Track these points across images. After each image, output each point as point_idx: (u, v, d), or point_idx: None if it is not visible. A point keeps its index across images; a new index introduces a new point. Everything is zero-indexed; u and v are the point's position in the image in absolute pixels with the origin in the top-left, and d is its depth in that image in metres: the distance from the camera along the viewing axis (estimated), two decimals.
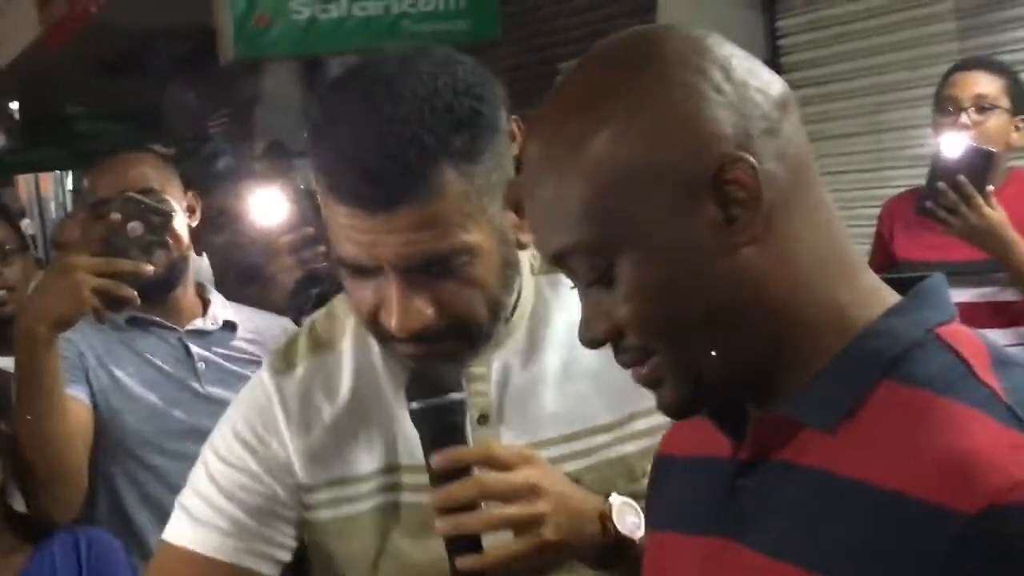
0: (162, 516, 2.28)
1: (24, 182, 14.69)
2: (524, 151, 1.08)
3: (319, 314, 1.54)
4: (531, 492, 1.29)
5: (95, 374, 2.32)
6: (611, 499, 1.36)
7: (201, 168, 3.13)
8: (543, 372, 1.44)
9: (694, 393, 1.04)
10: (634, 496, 1.37)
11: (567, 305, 1.43)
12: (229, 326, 2.46)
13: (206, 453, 1.52)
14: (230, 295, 2.63)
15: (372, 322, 1.35)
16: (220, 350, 2.43)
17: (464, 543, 1.29)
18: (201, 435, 2.26)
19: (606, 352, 1.27)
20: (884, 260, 3.39)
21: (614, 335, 1.05)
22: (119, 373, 2.34)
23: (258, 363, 2.31)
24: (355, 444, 1.45)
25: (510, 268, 1.36)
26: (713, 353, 1.02)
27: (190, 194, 2.46)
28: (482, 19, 5.67)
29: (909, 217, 3.23)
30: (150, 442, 2.33)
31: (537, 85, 5.37)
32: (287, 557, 1.48)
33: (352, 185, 1.26)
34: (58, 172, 13.69)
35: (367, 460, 1.45)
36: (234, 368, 2.41)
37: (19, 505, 2.19)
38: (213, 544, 1.45)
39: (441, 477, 1.29)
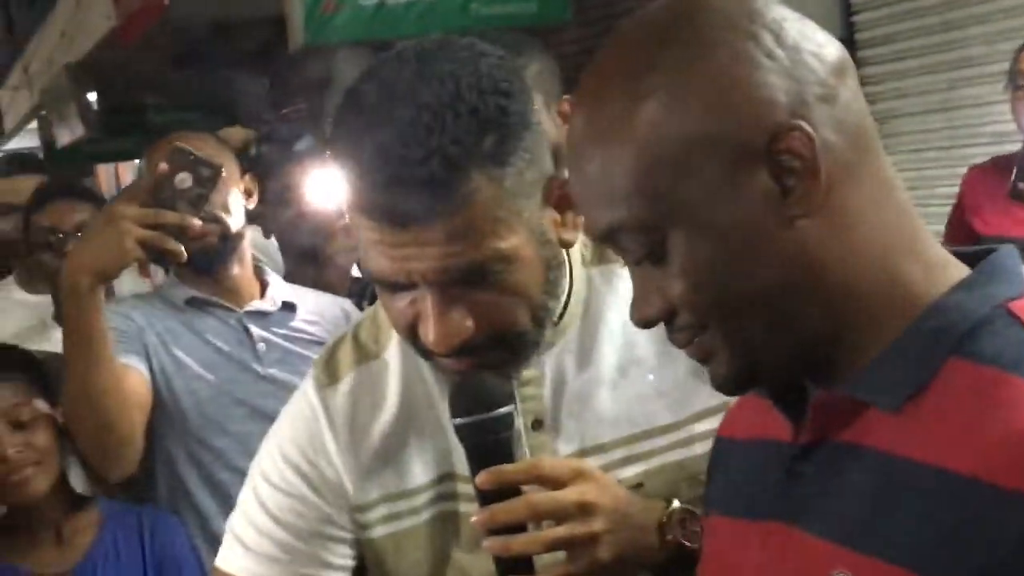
0: (224, 497, 2.32)
1: (104, 171, 14.92)
2: (568, 127, 1.04)
3: (363, 319, 1.49)
4: (584, 510, 1.23)
5: (156, 354, 2.32)
6: (672, 507, 1.31)
7: (280, 148, 3.15)
8: (599, 372, 1.38)
9: (748, 369, 1.01)
10: (698, 501, 1.30)
11: (621, 299, 1.37)
12: (288, 307, 2.46)
13: (254, 476, 1.48)
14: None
15: (411, 337, 1.29)
16: (280, 331, 2.43)
17: (515, 563, 1.24)
18: (262, 416, 2.29)
19: (665, 349, 1.28)
20: (963, 233, 3.29)
21: (667, 314, 1.01)
22: (180, 354, 2.34)
23: (318, 343, 2.32)
24: (407, 456, 1.40)
25: (553, 270, 1.29)
26: (769, 330, 0.98)
27: (247, 177, 2.46)
28: (551, 1, 5.62)
29: (993, 190, 3.14)
30: (212, 423, 2.33)
31: None
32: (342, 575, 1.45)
33: (377, 201, 1.20)
34: (136, 161, 13.88)
35: (421, 471, 1.40)
36: (294, 349, 2.40)
37: (80, 487, 2.20)
38: (263, 571, 1.43)
39: (488, 494, 1.24)
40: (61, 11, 11.01)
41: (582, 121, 1.02)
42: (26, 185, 3.42)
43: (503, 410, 1.26)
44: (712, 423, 1.32)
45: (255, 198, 2.49)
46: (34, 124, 16.11)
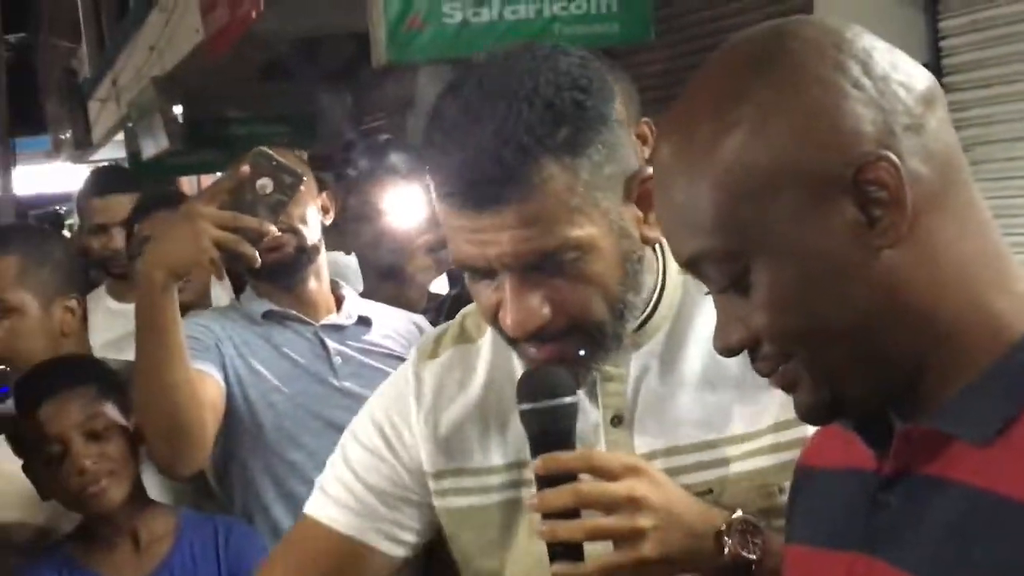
0: (298, 510, 2.31)
1: (187, 184, 15.15)
2: (655, 154, 1.05)
3: (472, 306, 1.52)
4: (632, 504, 1.25)
5: (233, 365, 2.33)
6: (734, 516, 1.30)
7: (362, 165, 3.16)
8: (682, 376, 1.40)
9: (832, 400, 1.00)
10: (768, 513, 1.33)
11: (712, 308, 1.37)
12: (363, 321, 2.47)
13: (346, 434, 1.59)
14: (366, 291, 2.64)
15: (495, 323, 1.34)
16: (355, 344, 2.43)
17: (565, 550, 1.27)
18: (337, 430, 2.27)
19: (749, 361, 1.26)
20: None
21: (750, 342, 1.01)
22: (257, 365, 2.35)
23: (392, 357, 2.33)
24: (484, 436, 1.46)
25: (633, 264, 1.33)
26: (852, 361, 0.97)
27: (324, 194, 2.47)
28: (634, 22, 5.61)
29: None
30: (287, 436, 2.34)
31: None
32: (413, 539, 1.52)
33: (456, 186, 1.26)
34: (218, 174, 14.07)
35: (496, 454, 1.45)
36: (369, 362, 2.41)
37: (153, 494, 2.22)
38: (342, 521, 1.52)
39: (545, 481, 1.27)
40: (151, 25, 11.20)
41: (669, 149, 1.02)
42: (120, 203, 3.48)
43: (567, 399, 1.29)
44: (787, 435, 1.34)
45: (332, 214, 2.50)
46: (121, 136, 16.42)
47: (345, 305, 2.48)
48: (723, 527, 1.29)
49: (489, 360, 1.48)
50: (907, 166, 0.95)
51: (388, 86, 8.69)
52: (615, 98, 1.30)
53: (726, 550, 1.28)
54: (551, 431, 1.29)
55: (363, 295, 2.65)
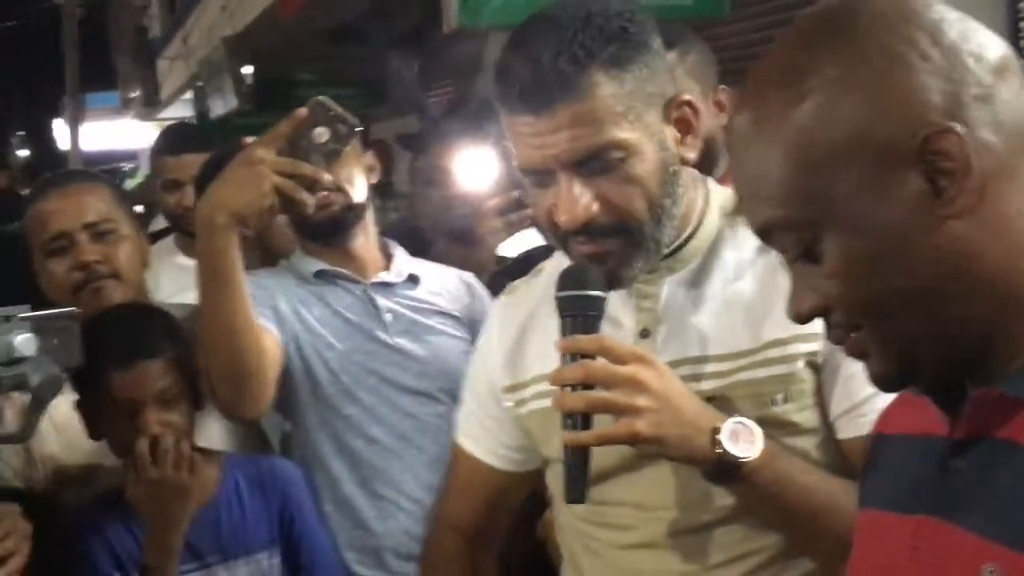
0: (355, 463, 2.36)
1: None
2: (730, 124, 1.08)
3: (549, 259, 1.75)
4: (633, 385, 1.41)
5: (289, 321, 2.34)
6: (731, 419, 1.45)
7: (430, 129, 3.16)
8: (705, 302, 1.57)
9: (903, 368, 1.02)
10: (763, 421, 1.47)
11: (741, 243, 1.58)
12: (413, 279, 2.47)
13: (467, 374, 1.84)
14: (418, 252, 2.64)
15: (550, 227, 1.53)
16: (405, 301, 2.44)
17: (576, 421, 1.44)
18: (391, 385, 2.35)
19: (761, 285, 1.53)
20: None
21: (822, 311, 1.03)
22: (312, 323, 2.37)
23: (442, 314, 2.37)
24: (543, 347, 1.61)
25: (670, 174, 1.51)
26: (922, 329, 0.99)
27: (370, 152, 2.48)
28: None
29: None
30: (343, 392, 2.35)
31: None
32: (519, 456, 1.75)
33: (520, 95, 1.47)
34: None
35: (553, 363, 1.56)
36: (419, 319, 2.42)
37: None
38: (468, 443, 1.79)
39: (567, 361, 1.46)
40: None
41: (743, 120, 1.05)
42: (193, 162, 3.49)
43: (596, 292, 1.48)
44: (781, 351, 1.52)
45: (377, 172, 2.51)
46: (189, 94, 16.54)
47: (395, 263, 2.49)
48: (719, 425, 1.43)
49: (548, 285, 1.62)
50: (976, 136, 0.96)
51: (456, 51, 8.69)
52: (656, 33, 1.52)
53: (719, 448, 1.42)
54: (578, 317, 1.47)
55: (433, 258, 2.66)
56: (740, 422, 1.44)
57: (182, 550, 2.05)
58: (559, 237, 1.54)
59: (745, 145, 1.04)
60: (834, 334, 1.04)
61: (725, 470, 1.44)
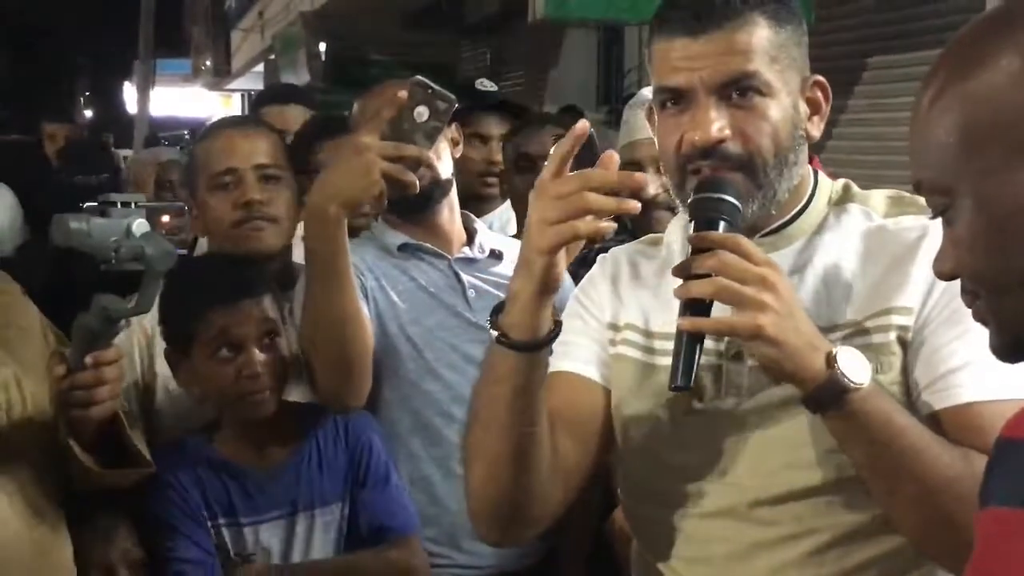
0: (433, 441, 2.35)
1: None
2: (919, 89, 1.13)
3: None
4: (763, 283, 1.40)
5: (373, 296, 2.34)
6: (847, 345, 1.45)
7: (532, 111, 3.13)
8: (804, 278, 1.59)
9: (1013, 342, 1.06)
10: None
11: (844, 228, 1.61)
12: (495, 255, 2.47)
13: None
14: None
15: (676, 154, 1.54)
16: (488, 277, 2.43)
17: (695, 311, 1.42)
18: (472, 363, 2.29)
19: (863, 266, 1.57)
20: None
21: (956, 274, 1.08)
22: (395, 297, 2.37)
23: None
24: (655, 305, 1.65)
25: (797, 136, 1.56)
26: None
27: (454, 126, 2.49)
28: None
29: None
30: (425, 368, 2.35)
31: (841, 78, 5.22)
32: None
33: (682, 17, 1.53)
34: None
35: (663, 322, 1.62)
36: (501, 295, 2.41)
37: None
38: (566, 364, 1.69)
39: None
40: None
41: (921, 89, 1.10)
42: (296, 114, 3.59)
43: (729, 197, 1.48)
44: (876, 322, 1.53)
45: (460, 147, 2.52)
46: (259, 67, 16.63)
47: (477, 238, 2.48)
48: (833, 351, 1.42)
49: (667, 255, 1.68)
50: None
51: (529, 44, 8.70)
52: (804, 19, 1.59)
53: (836, 365, 1.40)
54: (710, 218, 1.46)
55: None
56: (852, 352, 1.43)
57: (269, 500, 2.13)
58: (681, 167, 1.55)
59: (916, 110, 1.10)
60: (964, 299, 1.09)
61: (831, 393, 1.41)
